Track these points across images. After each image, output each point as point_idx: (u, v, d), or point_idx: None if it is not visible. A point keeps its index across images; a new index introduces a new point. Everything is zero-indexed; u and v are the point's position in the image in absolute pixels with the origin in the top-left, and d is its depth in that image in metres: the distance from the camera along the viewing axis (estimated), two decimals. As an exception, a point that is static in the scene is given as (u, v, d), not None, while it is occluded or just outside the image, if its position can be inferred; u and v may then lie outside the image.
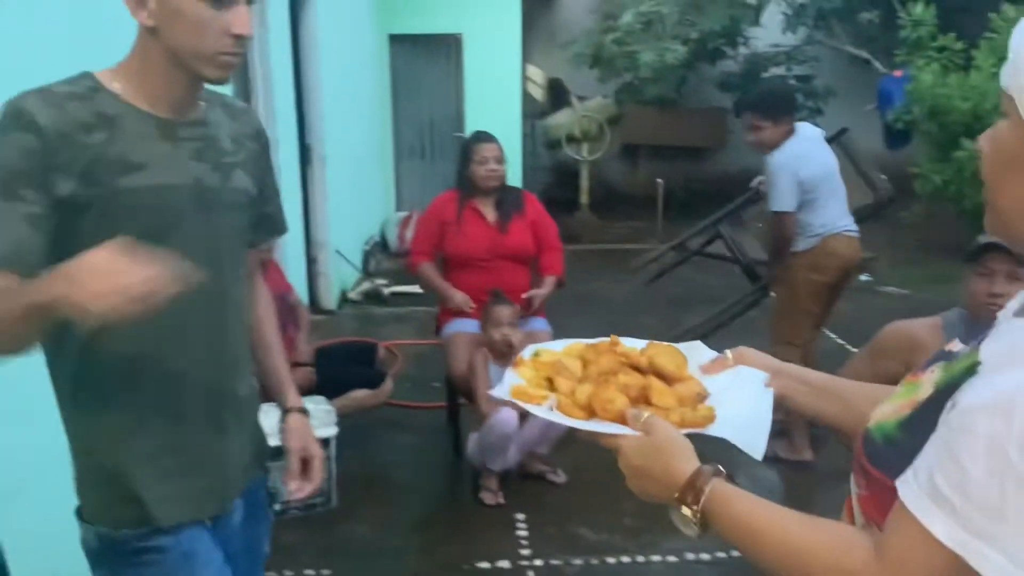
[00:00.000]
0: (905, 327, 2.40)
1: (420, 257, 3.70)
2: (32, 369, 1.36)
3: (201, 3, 1.23)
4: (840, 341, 5.39)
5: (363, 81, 7.67)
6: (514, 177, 9.97)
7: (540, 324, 3.69)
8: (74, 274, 1.04)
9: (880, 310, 5.74)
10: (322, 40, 5.86)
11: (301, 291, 5.39)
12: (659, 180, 9.17)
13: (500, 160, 3.62)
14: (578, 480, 3.58)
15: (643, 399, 1.09)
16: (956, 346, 0.90)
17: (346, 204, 6.62)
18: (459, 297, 3.55)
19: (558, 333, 4.44)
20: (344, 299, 6.61)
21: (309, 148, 5.85)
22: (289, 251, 5.01)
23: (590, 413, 1.08)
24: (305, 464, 1.61)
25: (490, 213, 3.66)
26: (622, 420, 1.04)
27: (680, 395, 1.10)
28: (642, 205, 10.26)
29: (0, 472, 2.02)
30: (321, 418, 3.25)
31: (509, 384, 1.16)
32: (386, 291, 6.63)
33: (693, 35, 8.91)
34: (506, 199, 3.67)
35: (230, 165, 1.41)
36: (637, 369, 1.15)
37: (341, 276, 6.59)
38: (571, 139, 9.87)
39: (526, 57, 11.43)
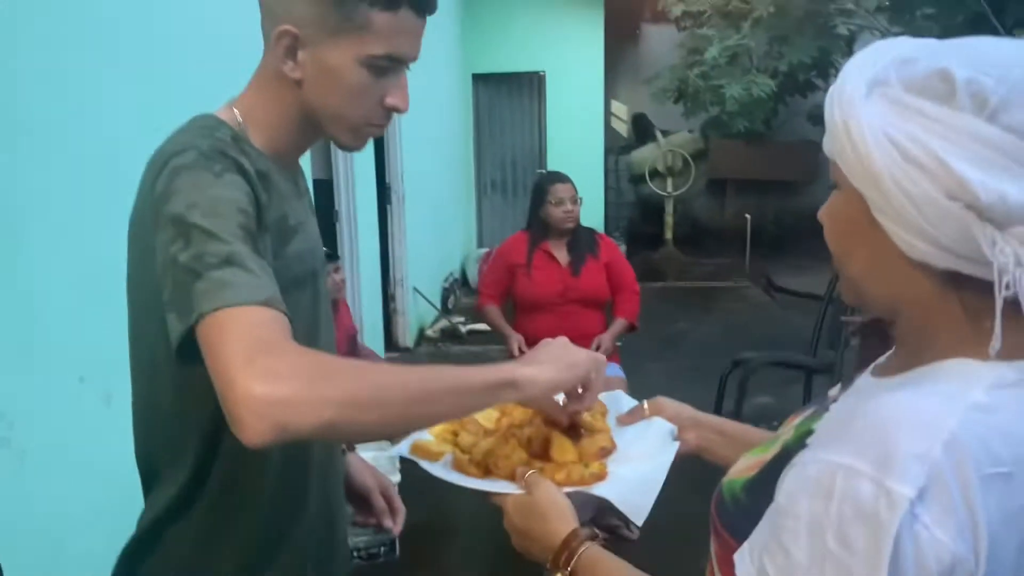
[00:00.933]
0: None
1: (487, 299, 3.62)
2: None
3: (363, 69, 1.06)
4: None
5: (445, 119, 7.72)
6: (596, 213, 9.92)
7: (613, 370, 3.55)
8: (535, 356, 1.01)
9: None
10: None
11: (378, 329, 5.39)
12: (747, 215, 8.92)
13: (575, 200, 3.51)
14: (652, 537, 3.39)
15: (544, 454, 1.06)
16: (834, 391, 0.89)
17: (425, 242, 6.63)
18: (514, 342, 3.45)
19: (635, 378, 4.28)
20: (422, 337, 6.59)
21: (388, 187, 5.88)
22: (366, 289, 5.01)
23: (485, 470, 1.05)
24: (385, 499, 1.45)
25: (562, 255, 3.55)
26: (514, 477, 1.01)
27: (582, 450, 1.07)
28: (729, 241, 10.01)
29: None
30: (384, 465, 3.18)
31: (411, 439, 1.11)
32: (463, 329, 6.59)
33: (782, 67, 8.66)
34: (579, 241, 3.55)
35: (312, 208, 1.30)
36: (554, 421, 1.10)
37: (419, 314, 6.58)
38: (655, 174, 9.72)
39: (610, 93, 11.38)
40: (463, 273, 8.41)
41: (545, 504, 0.96)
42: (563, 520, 0.94)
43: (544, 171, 9.45)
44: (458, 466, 1.06)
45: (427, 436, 1.12)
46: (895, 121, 0.71)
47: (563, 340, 1.04)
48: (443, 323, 6.81)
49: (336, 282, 3.65)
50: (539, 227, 3.57)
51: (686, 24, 9.52)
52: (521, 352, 3.45)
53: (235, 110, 1.12)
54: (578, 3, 9.09)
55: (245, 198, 0.97)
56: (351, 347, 3.76)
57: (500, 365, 0.95)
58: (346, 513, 1.37)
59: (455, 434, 1.12)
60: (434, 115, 7.11)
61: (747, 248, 8.86)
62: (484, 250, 8.53)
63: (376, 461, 3.18)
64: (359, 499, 1.43)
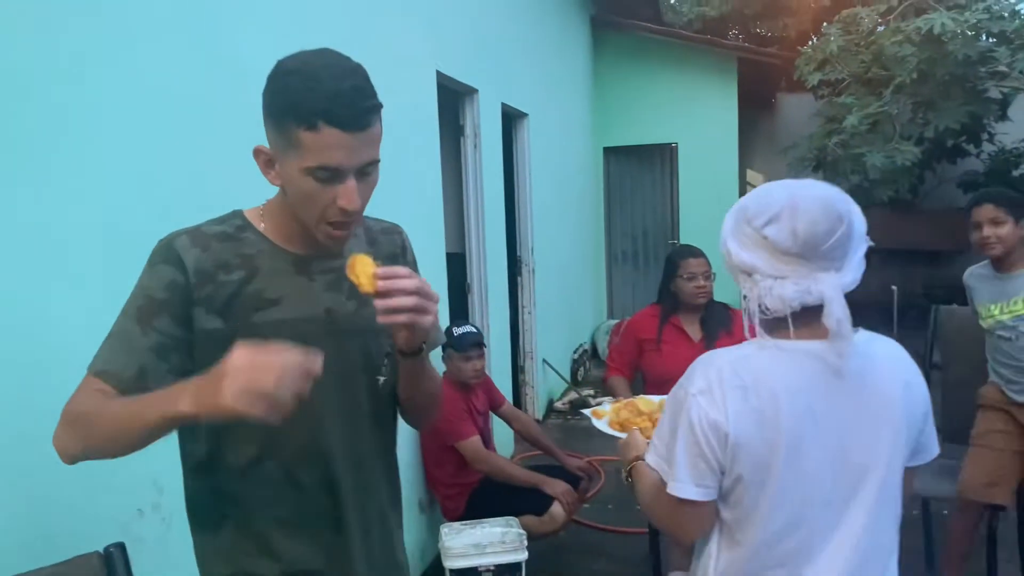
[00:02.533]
0: None
1: (614, 371, 3.56)
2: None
3: (307, 178, 1.25)
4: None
5: (575, 192, 7.81)
6: (732, 287, 9.59)
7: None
8: (215, 378, 1.07)
9: None
10: (533, 157, 6.03)
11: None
12: (893, 287, 8.48)
13: (708, 276, 3.43)
14: None
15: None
16: None
17: (555, 313, 6.65)
18: None
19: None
20: (551, 408, 6.56)
21: (519, 260, 5.96)
22: (496, 361, 5.05)
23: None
24: None
25: (694, 331, 3.47)
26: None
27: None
28: (874, 313, 9.53)
29: None
30: (512, 542, 3.15)
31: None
32: (593, 401, 6.51)
33: (927, 134, 8.31)
34: (712, 316, 3.46)
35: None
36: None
37: (548, 386, 6.57)
38: (793, 245, 9.44)
39: (745, 162, 11.21)
40: (593, 345, 8.36)
41: (634, 442, 1.82)
42: (640, 449, 1.74)
43: (676, 243, 9.36)
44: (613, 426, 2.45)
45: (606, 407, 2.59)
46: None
47: (248, 351, 1.08)
48: (572, 395, 6.76)
49: (475, 369, 3.69)
50: (670, 301, 3.51)
51: (824, 93, 9.31)
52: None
53: (264, 204, 1.41)
54: (711, 75, 9.07)
55: (159, 285, 1.29)
56: (485, 422, 3.79)
57: (176, 396, 1.12)
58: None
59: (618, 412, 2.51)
60: (564, 188, 7.20)
61: (894, 320, 8.38)
62: (614, 321, 8.46)
63: (505, 537, 3.16)
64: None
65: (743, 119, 9.45)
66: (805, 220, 1.39)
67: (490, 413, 3.93)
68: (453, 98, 4.71)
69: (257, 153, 1.31)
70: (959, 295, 3.44)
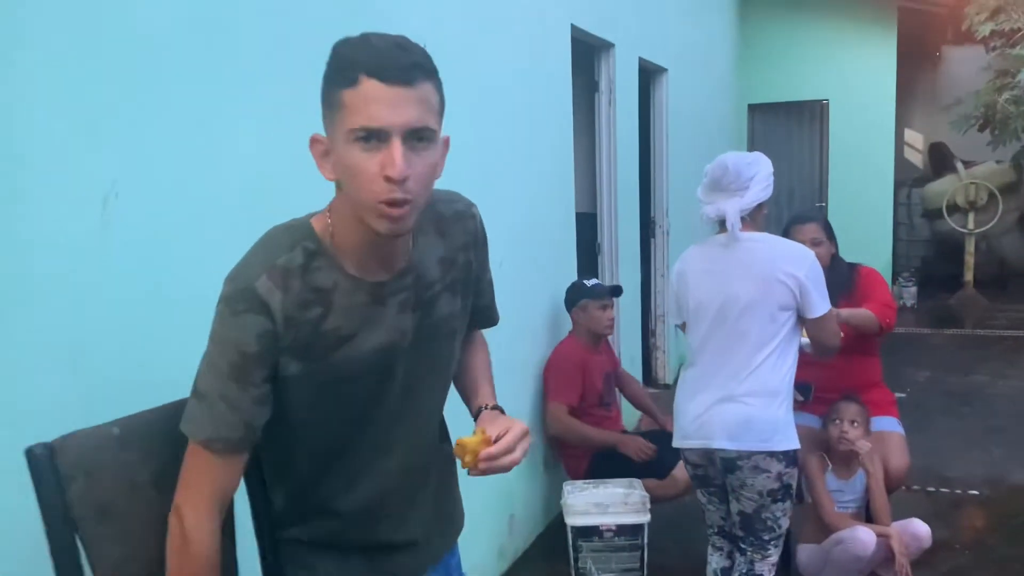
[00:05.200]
0: None
1: None
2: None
3: (351, 146, 1.14)
4: None
5: (715, 152, 7.52)
6: (883, 251, 9.14)
7: (890, 424, 3.20)
8: None
9: None
10: (671, 114, 5.85)
11: (637, 364, 5.33)
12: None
13: (818, 242, 3.20)
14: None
15: None
16: None
17: (691, 277, 6.46)
18: None
19: (920, 436, 3.85)
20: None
21: (652, 221, 5.82)
22: (626, 323, 4.98)
23: None
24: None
25: None
26: None
27: None
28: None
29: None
30: (635, 503, 3.11)
31: None
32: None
33: (1117, 88, 7.52)
34: (832, 282, 3.23)
35: (436, 295, 1.37)
36: None
37: (680, 350, 6.43)
38: (954, 209, 8.78)
39: (903, 121, 10.50)
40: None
41: None
42: None
43: (823, 205, 8.90)
44: None
45: None
46: None
47: None
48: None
49: (610, 319, 3.67)
50: None
51: (996, 44, 8.56)
52: (798, 400, 3.21)
53: (328, 207, 1.28)
54: (867, 26, 8.50)
55: (250, 337, 1.19)
56: (608, 383, 3.74)
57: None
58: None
59: None
60: (704, 147, 6.95)
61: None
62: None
63: (628, 498, 3.12)
64: None
65: (902, 75, 8.83)
66: (711, 170, 2.52)
67: (615, 373, 3.88)
68: (588, 52, 4.61)
69: (313, 143, 1.22)
70: None
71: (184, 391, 1.25)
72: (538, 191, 3.67)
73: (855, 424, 2.96)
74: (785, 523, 2.54)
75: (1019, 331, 7.64)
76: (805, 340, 2.64)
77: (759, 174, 2.49)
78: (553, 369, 3.62)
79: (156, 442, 1.29)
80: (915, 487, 3.89)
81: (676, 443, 2.61)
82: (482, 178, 2.97)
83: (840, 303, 3.17)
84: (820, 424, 3.12)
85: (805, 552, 3.04)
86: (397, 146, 1.13)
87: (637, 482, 3.25)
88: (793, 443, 2.45)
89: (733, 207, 2.42)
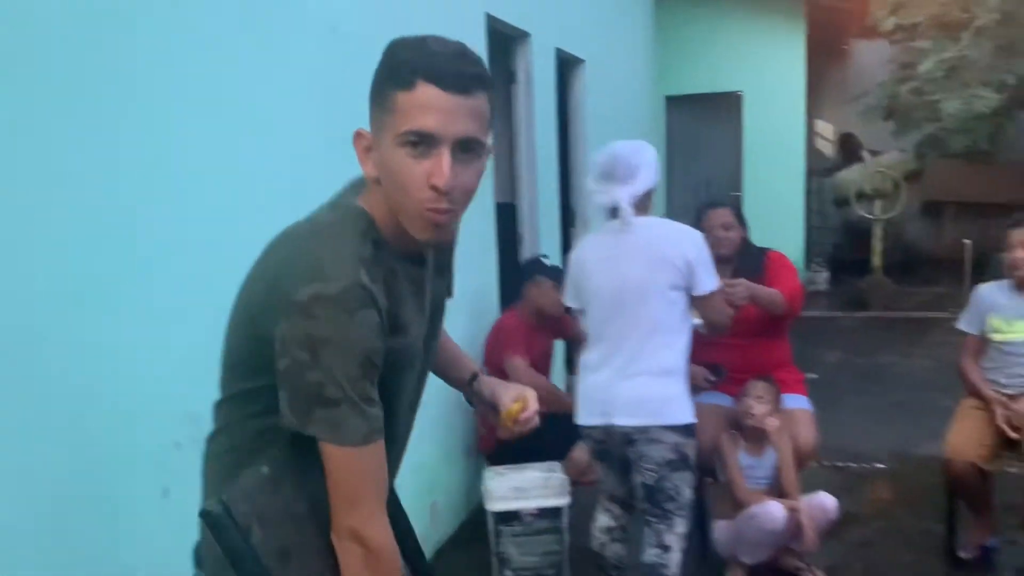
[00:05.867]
0: None
1: None
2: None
3: (399, 150, 1.13)
4: None
5: (635, 143, 7.64)
6: (796, 238, 9.43)
7: (799, 402, 3.32)
8: None
9: None
10: (590, 105, 5.91)
11: (559, 351, 5.38)
12: (966, 241, 8.15)
13: (728, 227, 3.31)
14: (838, 581, 3.14)
15: None
16: None
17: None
18: (698, 375, 3.30)
19: (829, 413, 3.99)
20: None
21: (573, 211, 5.89)
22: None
23: None
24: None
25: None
26: None
27: None
28: (946, 269, 9.20)
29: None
30: (554, 487, 3.15)
31: None
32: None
33: (1009, 80, 7.88)
34: (743, 266, 3.34)
35: (433, 278, 1.37)
36: None
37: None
38: (862, 196, 9.11)
39: (814, 112, 10.84)
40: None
41: None
42: None
43: (739, 195, 9.14)
44: None
45: None
46: None
47: None
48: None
49: (559, 300, 3.63)
50: None
51: (899, 38, 8.91)
52: (708, 382, 3.30)
53: (364, 197, 1.24)
54: (778, 20, 8.75)
55: (371, 333, 1.13)
56: (545, 362, 3.85)
57: None
58: None
59: None
60: (623, 138, 7.05)
61: (966, 276, 8.06)
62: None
63: (548, 482, 3.16)
64: (494, 411, 1.59)
65: (813, 67, 9.12)
66: (601, 160, 2.65)
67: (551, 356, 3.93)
68: (504, 43, 4.63)
69: (357, 138, 1.21)
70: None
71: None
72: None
73: (761, 400, 3.06)
74: (687, 493, 2.63)
75: (923, 312, 8.00)
76: (699, 321, 2.75)
77: (646, 161, 2.63)
78: (501, 333, 3.66)
79: (303, 472, 1.23)
80: (825, 462, 4.04)
81: (580, 420, 2.70)
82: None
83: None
84: (733, 404, 3.22)
85: (720, 528, 3.14)
86: (446, 155, 1.13)
87: (557, 465, 3.28)
88: (687, 417, 2.58)
89: (625, 194, 2.55)
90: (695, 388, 3.39)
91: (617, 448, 2.64)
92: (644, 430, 2.55)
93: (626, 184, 2.57)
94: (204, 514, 1.15)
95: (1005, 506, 3.36)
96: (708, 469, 3.31)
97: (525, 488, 3.11)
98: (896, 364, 6.22)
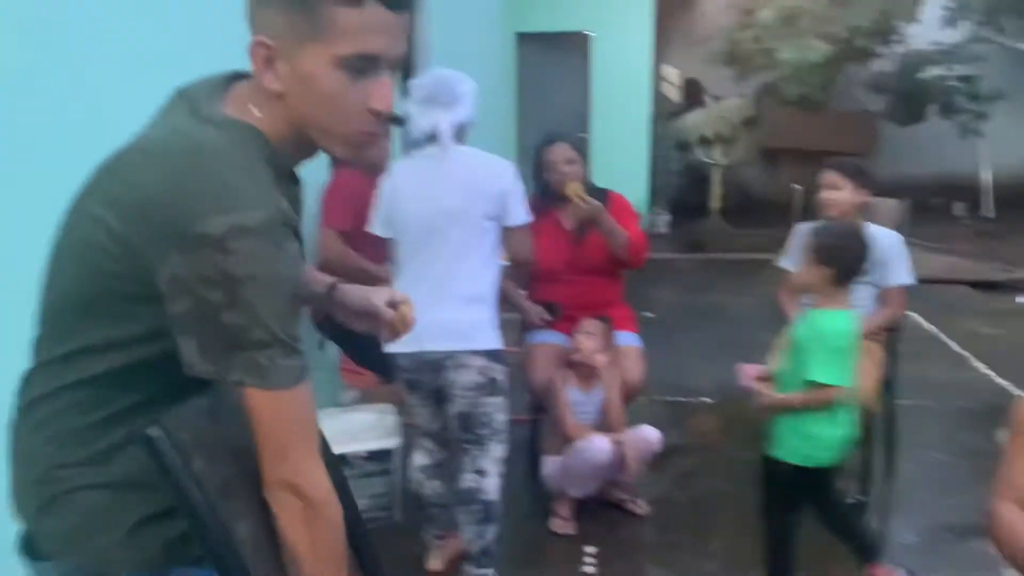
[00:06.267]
0: None
1: None
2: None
3: (337, 72, 1.04)
4: (986, 371, 4.79)
5: (482, 80, 7.51)
6: (639, 181, 9.64)
7: (629, 339, 3.38)
8: None
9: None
10: (436, 38, 5.73)
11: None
12: (797, 186, 8.58)
13: (571, 161, 3.30)
14: (660, 514, 3.26)
15: None
16: None
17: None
18: (533, 312, 3.31)
19: (660, 349, 4.11)
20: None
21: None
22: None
23: None
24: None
25: (567, 222, 3.38)
26: None
27: None
28: (779, 213, 9.67)
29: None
30: (387, 427, 3.09)
31: None
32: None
33: (841, 32, 8.26)
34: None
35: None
36: None
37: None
38: (704, 141, 9.41)
39: (662, 56, 11.03)
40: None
41: None
42: None
43: (585, 135, 9.21)
44: None
45: None
46: None
47: None
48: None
49: (385, 150, 3.29)
50: (540, 191, 3.41)
51: (742, -16, 9.16)
52: (543, 320, 3.30)
53: (256, 116, 1.09)
54: (628, -39, 8.79)
55: (298, 267, 1.08)
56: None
57: None
58: None
59: None
60: (471, 75, 6.91)
61: (796, 218, 8.53)
62: (522, 215, 8.35)
63: (378, 423, 3.10)
64: (368, 317, 1.54)
65: (661, 11, 9.24)
66: (425, 83, 2.59)
67: None
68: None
69: (257, 47, 1.06)
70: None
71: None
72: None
73: (591, 336, 3.10)
74: (501, 418, 2.65)
75: (755, 254, 8.38)
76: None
77: (468, 91, 2.60)
78: (325, 198, 3.26)
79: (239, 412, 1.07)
80: (655, 397, 4.17)
81: (389, 348, 2.56)
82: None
83: (591, 228, 3.29)
84: (567, 342, 3.24)
85: (549, 463, 3.17)
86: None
87: (390, 407, 3.22)
88: (494, 343, 2.60)
89: (446, 120, 2.51)
90: (531, 326, 3.42)
91: (427, 377, 2.62)
92: (452, 355, 2.54)
93: (448, 110, 2.53)
94: (144, 439, 1.01)
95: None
96: (541, 406, 3.34)
97: (354, 431, 3.04)
98: (726, 303, 6.51)
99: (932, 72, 9.59)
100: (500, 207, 2.57)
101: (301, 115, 1.08)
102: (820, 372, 2.35)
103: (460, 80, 2.60)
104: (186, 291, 0.98)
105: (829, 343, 2.38)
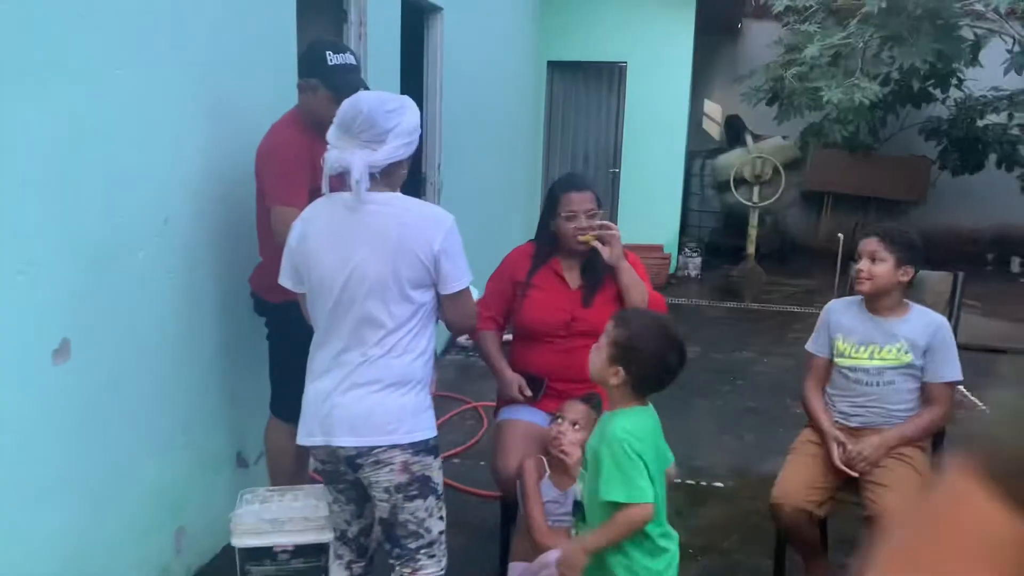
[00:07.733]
0: None
1: (485, 323, 2.95)
2: None
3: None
4: None
5: (507, 107, 7.09)
6: (671, 221, 9.10)
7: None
8: None
9: None
10: (448, 60, 5.31)
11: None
12: (839, 235, 7.97)
13: (594, 214, 2.82)
14: None
15: None
16: None
17: (467, 239, 6.02)
18: (513, 384, 2.81)
19: (678, 416, 3.56)
20: (452, 343, 6.01)
21: (423, 176, 5.30)
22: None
23: None
24: None
25: (574, 278, 2.88)
26: None
27: None
28: (821, 261, 9.07)
29: None
30: (318, 520, 2.59)
31: None
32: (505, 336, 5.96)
33: (893, 73, 7.67)
34: (597, 262, 2.85)
35: None
36: None
37: (453, 318, 5.99)
38: (742, 182, 8.84)
39: (703, 91, 10.52)
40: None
41: None
42: None
43: (617, 171, 8.70)
44: None
45: None
46: None
47: None
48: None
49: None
50: (547, 240, 2.91)
51: (789, 20, 8.60)
52: (523, 395, 2.81)
53: None
54: (668, -11, 8.31)
55: None
56: None
57: None
58: None
59: None
60: (491, 101, 6.49)
61: (836, 270, 7.91)
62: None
63: (312, 512, 2.60)
64: None
65: (704, 45, 8.74)
66: (342, 110, 2.03)
67: None
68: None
69: None
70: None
71: None
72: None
73: (576, 427, 2.58)
74: (435, 526, 2.17)
75: (790, 307, 7.80)
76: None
77: (400, 126, 2.04)
78: (269, 163, 2.77)
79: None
80: (659, 480, 3.62)
81: (300, 440, 2.17)
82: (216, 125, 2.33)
83: (605, 280, 2.81)
84: (545, 421, 2.74)
85: (516, 571, 2.65)
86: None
87: (322, 491, 2.72)
88: (423, 433, 2.11)
89: (361, 161, 1.98)
90: (510, 401, 2.91)
91: (346, 468, 2.14)
92: (368, 451, 2.06)
93: (365, 148, 2.00)
94: None
95: (838, 540, 3.02)
96: (514, 501, 2.82)
97: (281, 520, 2.54)
98: (753, 363, 5.92)
99: (990, 120, 8.93)
100: (429, 273, 2.07)
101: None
102: (615, 489, 1.94)
103: (391, 113, 2.03)
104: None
105: (618, 450, 1.95)
